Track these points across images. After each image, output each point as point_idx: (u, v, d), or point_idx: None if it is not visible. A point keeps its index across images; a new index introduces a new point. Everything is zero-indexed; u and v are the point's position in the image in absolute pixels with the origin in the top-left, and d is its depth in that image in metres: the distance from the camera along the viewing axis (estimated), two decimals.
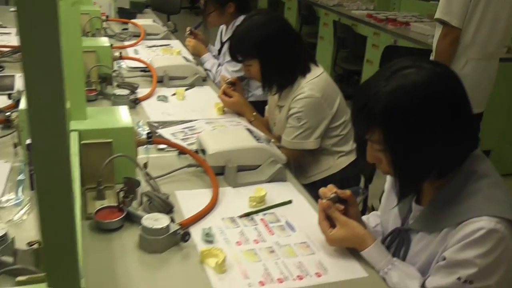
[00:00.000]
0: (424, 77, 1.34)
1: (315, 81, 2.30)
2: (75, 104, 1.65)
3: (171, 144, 1.92)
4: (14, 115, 1.98)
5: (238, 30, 2.38)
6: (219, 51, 3.38)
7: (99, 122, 1.67)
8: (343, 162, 2.45)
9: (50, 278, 0.79)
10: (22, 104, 1.81)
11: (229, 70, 3.13)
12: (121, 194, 1.50)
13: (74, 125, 1.63)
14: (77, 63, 1.61)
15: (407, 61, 1.41)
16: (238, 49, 2.34)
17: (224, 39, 3.35)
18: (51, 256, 0.77)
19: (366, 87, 1.40)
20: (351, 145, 2.46)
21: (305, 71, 2.32)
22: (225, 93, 2.47)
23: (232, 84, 2.51)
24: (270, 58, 2.28)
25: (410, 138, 1.34)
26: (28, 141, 1.60)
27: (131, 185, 1.51)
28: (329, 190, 1.56)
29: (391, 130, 1.35)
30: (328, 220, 1.50)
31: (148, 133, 1.77)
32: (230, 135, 1.97)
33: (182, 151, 1.89)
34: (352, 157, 2.47)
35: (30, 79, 0.68)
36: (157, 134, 1.98)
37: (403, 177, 1.43)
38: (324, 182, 2.01)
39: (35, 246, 1.25)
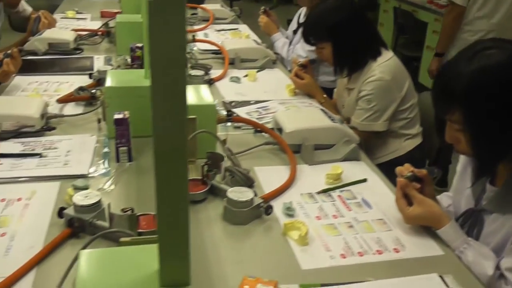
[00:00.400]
0: (505, 57, 1.35)
1: (386, 64, 2.32)
2: None
3: (250, 123, 1.98)
4: (98, 92, 2.08)
5: (311, 13, 2.43)
6: (295, 31, 3.42)
7: None
8: (410, 145, 2.47)
9: (162, 239, 0.85)
10: (108, 83, 1.90)
11: (305, 49, 3.18)
12: (205, 168, 1.57)
13: None
14: None
15: (489, 41, 1.42)
16: (311, 32, 2.39)
17: (302, 20, 3.39)
18: (164, 220, 0.83)
19: (448, 67, 1.42)
20: (417, 129, 2.48)
21: (375, 54, 2.34)
22: (296, 75, 2.52)
23: (304, 66, 2.55)
24: (343, 41, 2.32)
25: (490, 119, 1.36)
26: (116, 116, 1.69)
27: (215, 160, 1.58)
28: (406, 169, 1.58)
29: (472, 110, 1.37)
30: (405, 198, 1.53)
31: (228, 111, 1.84)
32: (305, 115, 2.02)
33: (260, 129, 1.95)
34: (418, 140, 2.49)
35: (157, 60, 0.73)
36: (234, 114, 2.04)
37: (481, 158, 1.45)
38: (390, 164, 2.03)
39: (129, 212, 1.33)
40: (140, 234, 1.29)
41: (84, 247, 1.20)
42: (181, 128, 0.77)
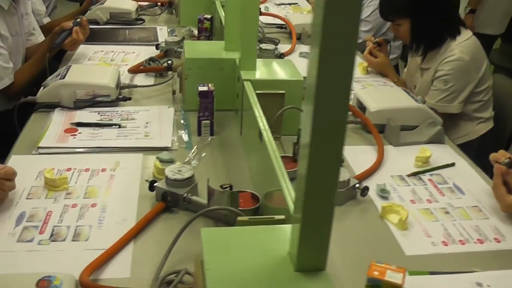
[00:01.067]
0: None
1: (465, 44, 2.23)
2: (246, 55, 1.67)
3: None
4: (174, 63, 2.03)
5: None
6: None
7: (269, 73, 1.69)
8: (482, 129, 2.39)
9: (306, 221, 0.79)
10: (187, 54, 1.85)
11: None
12: (296, 145, 1.51)
13: (245, 75, 1.65)
14: (253, 15, 1.62)
15: None
16: (390, 9, 2.31)
17: None
18: (312, 201, 0.78)
19: None
20: (490, 112, 2.39)
21: (455, 33, 2.25)
22: (370, 53, 2.45)
23: (379, 44, 2.47)
24: (422, 18, 2.23)
25: None
26: (201, 89, 1.64)
27: None
28: (502, 155, 1.51)
29: None
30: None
31: None
32: (388, 94, 1.95)
33: None
34: (490, 125, 2.40)
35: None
36: None
37: None
38: (461, 148, 1.96)
39: (228, 189, 1.29)
40: None
41: (187, 224, 1.17)
42: (345, 109, 0.72)
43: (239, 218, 1.00)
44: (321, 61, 0.68)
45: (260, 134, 1.34)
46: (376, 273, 0.92)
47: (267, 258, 0.86)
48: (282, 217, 1.01)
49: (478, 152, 1.82)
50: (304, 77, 1.71)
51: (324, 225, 0.80)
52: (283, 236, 0.91)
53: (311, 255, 0.82)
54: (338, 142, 0.74)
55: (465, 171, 1.67)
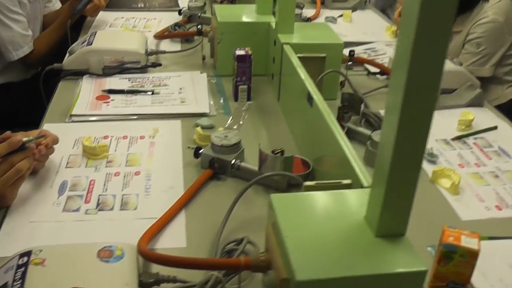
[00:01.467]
0: None
1: (499, 5, 2.18)
2: (284, 18, 1.62)
3: (374, 64, 1.86)
4: (205, 28, 1.97)
5: None
6: None
7: (307, 37, 1.64)
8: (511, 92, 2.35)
9: (393, 181, 0.76)
10: (220, 17, 1.80)
11: None
12: (341, 110, 1.47)
13: (283, 38, 1.61)
14: None
15: None
16: None
17: None
18: (400, 163, 0.74)
19: None
20: None
21: None
22: (400, 16, 2.39)
23: None
24: None
25: None
26: (238, 52, 1.60)
27: (351, 101, 1.48)
28: None
29: None
30: None
31: (350, 51, 1.73)
32: None
33: (375, 71, 1.84)
34: None
35: None
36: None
37: None
38: None
39: (279, 154, 1.25)
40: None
41: (243, 191, 1.14)
42: (439, 71, 0.67)
43: (306, 183, 0.97)
44: (418, 29, 0.63)
45: (310, 98, 1.30)
46: (451, 238, 0.89)
47: (343, 223, 0.83)
48: (349, 181, 0.98)
49: (508, 116, 1.78)
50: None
51: (410, 190, 0.77)
52: (355, 201, 0.88)
53: (392, 220, 0.79)
54: (430, 105, 0.70)
55: (508, 134, 1.63)
